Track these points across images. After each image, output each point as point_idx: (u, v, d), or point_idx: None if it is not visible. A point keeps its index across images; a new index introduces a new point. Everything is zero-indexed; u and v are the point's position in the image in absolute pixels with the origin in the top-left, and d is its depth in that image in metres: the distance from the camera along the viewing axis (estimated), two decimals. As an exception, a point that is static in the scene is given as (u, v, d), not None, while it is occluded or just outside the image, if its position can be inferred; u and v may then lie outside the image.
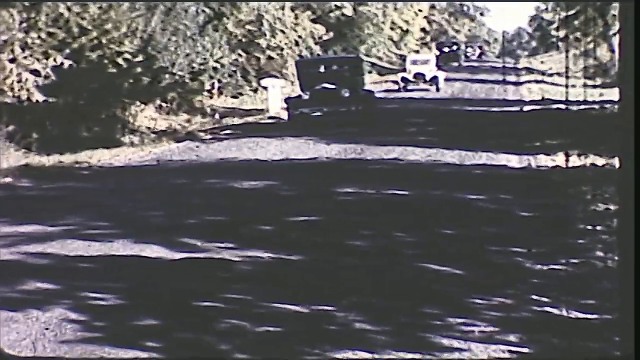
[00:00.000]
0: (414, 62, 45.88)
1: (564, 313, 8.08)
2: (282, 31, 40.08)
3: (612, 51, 46.30)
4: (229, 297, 8.85)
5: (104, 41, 26.16)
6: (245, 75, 38.27)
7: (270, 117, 32.63)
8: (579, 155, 18.05)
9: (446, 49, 67.55)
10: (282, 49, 40.01)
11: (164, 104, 31.27)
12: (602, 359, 6.84)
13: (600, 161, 17.29)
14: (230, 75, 36.06)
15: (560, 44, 69.09)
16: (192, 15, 30.54)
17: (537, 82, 47.86)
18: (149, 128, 28.31)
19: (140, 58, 27.40)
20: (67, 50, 24.66)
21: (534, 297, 8.67)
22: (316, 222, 13.09)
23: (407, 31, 64.28)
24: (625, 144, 4.66)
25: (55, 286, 9.45)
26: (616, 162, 16.04)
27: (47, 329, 8.00)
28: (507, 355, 7.17)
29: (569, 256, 10.17)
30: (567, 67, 29.29)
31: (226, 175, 18.29)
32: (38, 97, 23.22)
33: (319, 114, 28.64)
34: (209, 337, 7.65)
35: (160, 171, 19.82)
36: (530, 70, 59.28)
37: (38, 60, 23.44)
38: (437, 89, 43.74)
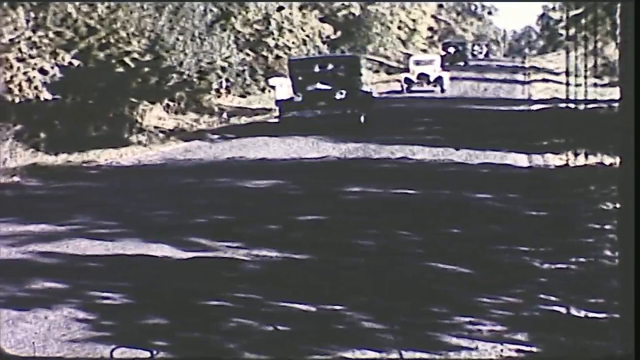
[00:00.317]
0: (418, 63, 44.64)
1: (571, 312, 8.09)
2: (290, 30, 40.08)
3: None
4: (236, 297, 8.87)
5: (111, 41, 26.16)
6: (253, 74, 38.27)
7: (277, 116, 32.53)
8: (586, 154, 18.02)
9: (452, 49, 65.65)
10: (289, 48, 39.99)
11: (171, 104, 31.29)
12: (603, 358, 6.85)
13: (607, 160, 17.27)
14: (238, 75, 36.07)
15: (568, 42, 68.95)
16: (199, 14, 30.54)
17: (545, 80, 47.75)
18: (157, 127, 28.33)
19: (148, 57, 27.41)
20: (75, 50, 24.69)
21: (542, 296, 8.68)
22: (323, 222, 13.10)
23: (414, 30, 64.20)
24: (626, 144, 4.68)
25: (63, 285, 9.48)
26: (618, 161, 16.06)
27: (54, 328, 8.03)
28: (514, 354, 7.19)
29: (576, 255, 10.17)
30: (575, 66, 29.19)
31: (233, 174, 18.30)
32: (46, 96, 23.24)
33: (311, 116, 27.28)
34: (216, 337, 7.68)
35: (167, 170, 19.83)
36: (537, 69, 59.15)
37: (46, 59, 23.47)
38: (442, 90, 42.32)
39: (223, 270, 10.12)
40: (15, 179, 18.38)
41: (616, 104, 27.70)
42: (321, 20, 44.55)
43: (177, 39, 28.74)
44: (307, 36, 42.09)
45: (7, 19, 22.13)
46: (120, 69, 26.45)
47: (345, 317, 8.14)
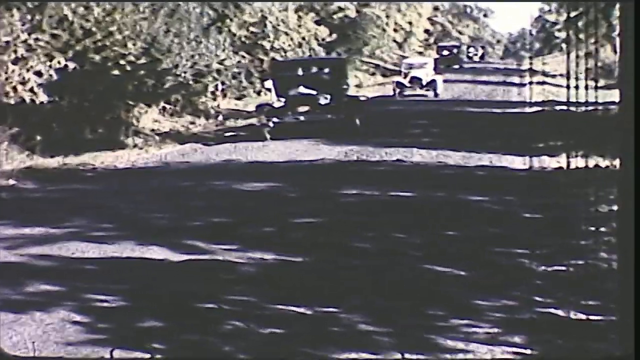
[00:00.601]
0: (410, 66, 43.26)
1: (568, 314, 8.09)
2: (286, 33, 40.08)
3: (616, 52, 46.29)
4: (232, 299, 8.86)
5: (107, 43, 26.16)
6: (249, 77, 38.26)
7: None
8: (582, 156, 18.00)
9: (446, 52, 64.87)
10: (285, 51, 39.98)
11: (167, 106, 31.29)
12: (602, 359, 6.85)
13: (604, 162, 17.27)
14: (234, 77, 36.04)
15: (564, 45, 69.05)
16: (195, 17, 30.52)
17: (541, 83, 47.77)
18: (153, 130, 28.32)
19: (144, 60, 27.40)
20: (71, 52, 24.68)
21: (538, 298, 8.68)
22: (319, 224, 13.09)
23: (410, 32, 64.25)
24: (626, 144, 4.67)
25: (59, 288, 9.47)
26: (618, 162, 16.07)
27: (50, 331, 8.01)
28: (511, 356, 7.18)
29: (572, 257, 10.17)
30: (570, 69, 29.19)
31: (229, 176, 18.28)
32: (42, 99, 23.22)
33: (292, 122, 25.62)
34: (212, 339, 7.67)
35: (163, 173, 19.82)
36: (533, 72, 59.19)
37: (42, 62, 23.45)
38: (436, 94, 41.08)
39: (219, 272, 10.12)
40: (11, 181, 18.35)
41: (612, 107, 27.81)
42: (317, 22, 44.57)
43: (173, 42, 28.72)
44: (303, 39, 42.11)
45: (2, 22, 22.10)
46: (116, 72, 26.44)
47: (342, 319, 8.14)
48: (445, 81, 44.18)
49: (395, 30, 59.48)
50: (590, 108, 26.84)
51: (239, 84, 37.27)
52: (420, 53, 65.87)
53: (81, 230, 12.77)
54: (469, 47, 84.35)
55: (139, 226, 12.99)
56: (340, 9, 48.90)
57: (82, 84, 25.42)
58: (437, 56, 61.30)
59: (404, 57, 57.67)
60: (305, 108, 26.02)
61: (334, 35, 45.76)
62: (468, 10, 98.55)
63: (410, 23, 62.92)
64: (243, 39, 37.89)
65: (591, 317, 7.95)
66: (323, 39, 44.13)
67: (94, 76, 25.90)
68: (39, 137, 23.46)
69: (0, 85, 22.25)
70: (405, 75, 42.27)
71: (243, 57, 37.17)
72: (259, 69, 38.93)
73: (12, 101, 22.64)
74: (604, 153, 17.64)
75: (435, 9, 78.74)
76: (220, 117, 32.42)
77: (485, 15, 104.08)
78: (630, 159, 4.62)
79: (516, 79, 52.75)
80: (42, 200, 16.50)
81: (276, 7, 39.51)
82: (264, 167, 19.93)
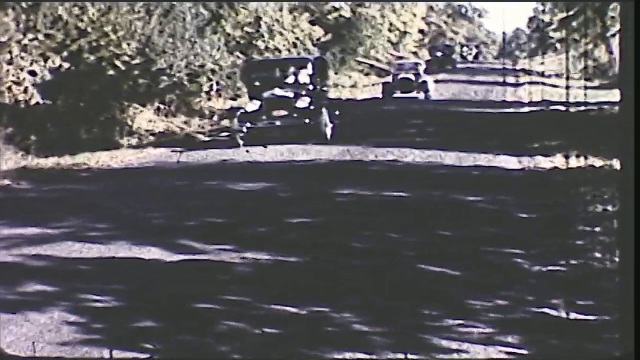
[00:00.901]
0: (400, 67, 41.92)
1: (563, 314, 8.09)
2: (280, 33, 40.05)
3: (610, 52, 46.36)
4: (227, 299, 8.85)
5: (102, 43, 26.16)
6: (244, 77, 38.24)
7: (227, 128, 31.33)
8: (577, 156, 18.04)
9: (439, 53, 63.16)
10: (280, 51, 39.95)
11: (162, 106, 31.26)
12: (602, 359, 6.85)
13: (598, 162, 17.29)
14: (228, 77, 36.01)
15: (558, 45, 69.14)
16: (190, 17, 30.51)
17: (536, 83, 47.81)
18: (147, 130, 28.29)
19: (138, 60, 27.40)
20: (66, 52, 24.66)
21: (533, 298, 8.68)
22: (315, 224, 13.09)
23: (405, 33, 64.27)
24: (626, 144, 4.66)
25: (54, 288, 9.45)
26: (615, 163, 16.11)
27: (46, 331, 8.00)
28: (505, 356, 7.18)
29: (568, 257, 10.18)
30: (566, 69, 29.23)
31: (225, 176, 18.27)
32: (36, 99, 23.21)
33: (266, 128, 23.95)
34: (208, 339, 7.66)
35: (159, 173, 19.80)
36: (528, 72, 59.24)
37: (36, 62, 23.43)
38: (426, 97, 39.34)
39: (215, 272, 10.11)
40: (6, 182, 18.32)
41: (607, 107, 27.85)
42: (312, 22, 44.56)
43: (168, 42, 28.71)
44: (298, 39, 42.09)
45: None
46: (111, 72, 26.42)
47: (337, 319, 8.14)
48: (439, 81, 43.88)
49: (390, 30, 59.48)
50: (585, 108, 27.01)
51: (234, 84, 37.24)
52: (415, 53, 65.92)
53: (76, 230, 12.75)
54: (462, 46, 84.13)
55: (134, 226, 12.98)
56: (335, 9, 48.91)
57: (77, 84, 25.42)
58: (429, 57, 61.04)
59: (400, 58, 57.69)
60: (282, 112, 24.09)
61: (329, 35, 45.77)
62: (463, 10, 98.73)
63: (404, 23, 62.92)
64: (238, 39, 37.87)
65: (586, 317, 7.95)
66: (318, 39, 44.13)
67: (89, 76, 25.90)
68: (33, 137, 23.44)
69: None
70: (394, 77, 40.83)
71: (238, 57, 37.13)
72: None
73: (6, 101, 22.61)
74: (599, 153, 17.68)
75: (430, 9, 78.78)
76: (215, 117, 32.39)
77: (480, 16, 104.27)
78: (631, 158, 4.62)
79: (511, 79, 52.77)
80: (36, 200, 16.48)
81: (271, 7, 39.50)
82: (259, 167, 19.91)
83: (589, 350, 7.20)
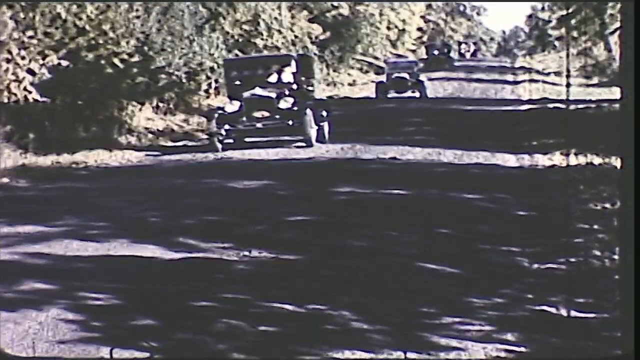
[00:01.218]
0: (394, 66, 40.87)
1: (562, 312, 8.10)
2: (279, 31, 40.04)
3: (609, 50, 46.40)
4: (226, 297, 8.86)
5: (101, 41, 26.15)
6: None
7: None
8: (575, 154, 18.06)
9: (436, 52, 61.62)
10: (278, 49, 39.93)
11: (161, 104, 31.25)
12: (603, 359, 6.85)
13: (597, 160, 17.30)
14: (227, 75, 35.98)
15: (557, 43, 69.20)
16: (189, 15, 30.49)
17: (534, 81, 47.83)
18: (146, 128, 28.28)
19: (137, 58, 27.39)
20: (64, 51, 24.66)
21: (531, 296, 8.69)
22: (313, 222, 13.09)
23: (403, 31, 64.27)
24: (626, 144, 4.66)
25: (52, 286, 9.45)
26: (613, 161, 16.12)
27: (45, 329, 7.99)
28: (504, 354, 7.18)
29: (566, 255, 10.18)
30: (566, 66, 29.17)
31: (223, 175, 18.26)
32: (35, 97, 23.19)
33: (248, 129, 22.56)
34: (206, 337, 7.66)
35: (157, 171, 19.80)
36: (527, 70, 59.27)
37: (35, 60, 23.42)
38: (423, 96, 38.22)
39: (213, 271, 10.10)
40: (5, 180, 18.32)
41: (606, 105, 27.87)
42: (310, 20, 44.57)
43: (166, 40, 28.70)
44: (296, 37, 42.09)
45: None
46: (110, 70, 26.41)
47: (336, 317, 8.14)
48: (433, 79, 43.50)
49: (388, 28, 59.49)
50: (584, 106, 27.03)
51: (233, 82, 37.20)
52: (414, 51, 65.89)
53: (75, 228, 12.76)
54: (460, 43, 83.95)
55: (132, 224, 12.98)
56: (334, 7, 48.91)
57: (76, 82, 25.40)
58: (426, 56, 60.62)
59: (400, 56, 57.62)
60: (263, 113, 22.58)
61: (328, 33, 45.78)
62: (461, 8, 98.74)
63: (403, 21, 62.94)
64: (236, 37, 37.86)
65: (586, 315, 7.96)
66: (316, 37, 44.14)
67: (87, 74, 25.89)
68: (32, 136, 23.42)
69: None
70: (388, 77, 39.72)
71: (236, 55, 37.12)
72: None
73: (5, 99, 22.61)
74: (598, 150, 17.70)
75: (429, 7, 78.77)
76: (194, 118, 32.34)
77: (478, 14, 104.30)
78: (631, 157, 4.62)
79: (510, 77, 52.78)
80: (35, 198, 16.48)
81: (269, 5, 39.49)
82: (257, 165, 19.90)
83: (589, 348, 7.20)
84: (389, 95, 38.64)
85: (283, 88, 23.27)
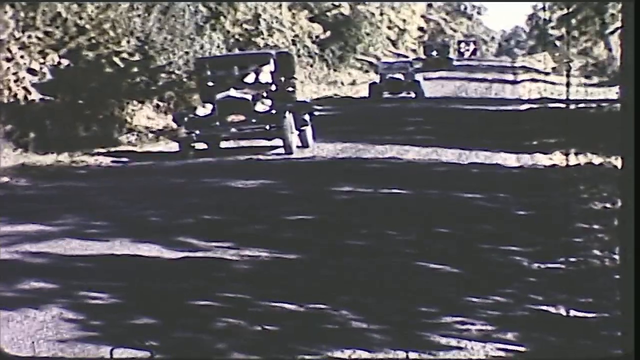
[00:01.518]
0: (388, 67, 39.94)
1: (562, 312, 8.09)
2: (279, 30, 40.06)
3: (609, 50, 46.41)
4: (226, 296, 8.85)
5: (101, 41, 26.17)
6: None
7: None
8: (576, 153, 18.07)
9: (435, 52, 60.66)
10: (279, 48, 39.99)
11: (161, 104, 31.26)
12: (602, 358, 6.85)
13: (597, 160, 17.32)
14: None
15: (557, 42, 69.19)
16: (189, 14, 30.51)
17: (535, 80, 47.85)
18: (146, 127, 28.29)
19: (137, 57, 27.40)
20: (65, 50, 24.67)
21: (531, 295, 8.69)
22: (313, 221, 13.09)
23: (404, 30, 64.29)
24: (626, 144, 4.66)
25: (52, 285, 9.45)
26: (613, 160, 16.12)
27: (45, 328, 7.99)
28: (503, 354, 7.18)
29: (566, 255, 10.18)
30: (564, 66, 29.17)
31: (222, 174, 18.24)
32: (35, 96, 23.21)
33: (222, 134, 21.01)
34: (206, 336, 7.65)
35: (156, 170, 19.78)
36: (527, 69, 59.30)
37: (35, 59, 23.44)
38: (418, 96, 37.42)
39: (213, 270, 10.10)
40: (5, 179, 18.32)
41: (606, 104, 27.92)
42: (311, 20, 44.60)
43: (167, 39, 28.71)
44: (297, 36, 42.12)
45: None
46: (110, 69, 26.43)
47: (336, 316, 8.13)
48: (428, 79, 43.25)
49: (389, 27, 59.55)
50: (584, 105, 27.06)
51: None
52: (414, 50, 65.87)
53: (75, 227, 12.75)
54: (460, 42, 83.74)
55: (132, 223, 12.98)
56: (334, 6, 48.94)
57: (76, 81, 25.41)
58: (424, 56, 60.34)
59: (399, 55, 57.59)
60: (238, 117, 20.85)
61: (328, 33, 45.79)
62: (462, 7, 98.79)
63: (404, 20, 62.97)
64: (237, 36, 37.87)
65: (586, 315, 7.96)
66: (317, 36, 44.16)
67: (88, 73, 25.91)
68: (32, 135, 23.44)
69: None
70: (382, 77, 38.75)
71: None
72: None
73: (5, 99, 22.62)
74: (598, 150, 17.71)
75: (429, 6, 78.78)
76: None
77: (479, 13, 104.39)
78: (631, 157, 4.62)
79: (510, 76, 52.79)
80: (35, 197, 16.47)
81: (270, 5, 39.51)
82: (257, 164, 19.89)
83: (589, 347, 7.20)
84: (385, 96, 37.70)
85: (260, 89, 21.51)
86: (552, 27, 68.03)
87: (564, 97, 27.07)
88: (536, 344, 7.32)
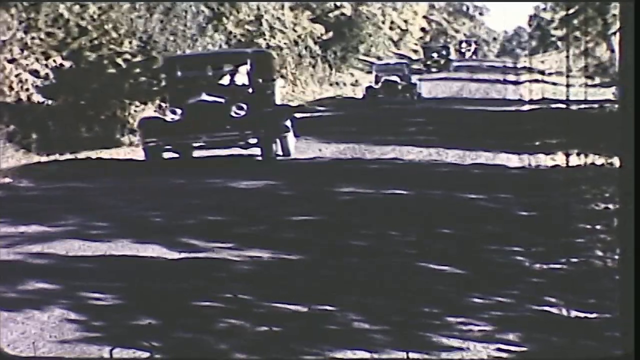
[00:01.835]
0: (384, 68, 38.94)
1: (564, 312, 8.09)
2: (282, 31, 40.08)
3: (612, 50, 46.42)
4: (226, 297, 8.85)
5: (103, 42, 26.20)
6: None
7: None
8: (578, 154, 18.06)
9: (435, 54, 59.11)
10: (281, 49, 39.99)
11: (163, 104, 31.27)
12: (603, 359, 6.85)
13: (599, 160, 17.30)
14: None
15: (559, 43, 69.18)
16: (191, 15, 30.53)
17: (537, 81, 47.82)
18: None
19: (139, 58, 27.43)
20: (67, 51, 24.70)
21: (532, 296, 8.69)
22: (315, 222, 13.08)
23: (406, 31, 64.29)
24: (625, 144, 4.67)
25: (54, 286, 9.45)
26: (615, 161, 16.11)
27: (46, 329, 8.00)
28: (505, 354, 7.18)
29: (567, 255, 10.18)
30: (567, 67, 29.22)
31: (225, 174, 18.22)
32: (38, 97, 23.23)
33: (191, 143, 19.13)
34: (206, 337, 7.65)
35: (157, 170, 19.74)
36: (529, 70, 59.26)
37: (37, 60, 23.45)
38: (415, 97, 36.46)
39: (215, 270, 10.10)
40: (7, 179, 18.33)
41: (608, 105, 27.92)
42: (313, 20, 44.61)
43: (169, 40, 28.73)
44: (299, 37, 42.14)
45: (-1, 21, 22.12)
46: (112, 70, 26.45)
47: (337, 317, 8.13)
48: (436, 80, 43.33)
49: (391, 28, 59.56)
50: (586, 106, 27.03)
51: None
52: (416, 51, 65.85)
53: (77, 228, 12.75)
54: (461, 42, 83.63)
55: (134, 224, 12.98)
56: (336, 7, 48.95)
57: (78, 82, 25.44)
58: (424, 58, 60.06)
59: (402, 56, 57.56)
60: (210, 123, 18.74)
61: (330, 33, 45.80)
62: (464, 8, 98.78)
63: (406, 21, 62.99)
64: (239, 37, 37.89)
65: (587, 315, 7.96)
66: (319, 37, 44.17)
67: (90, 74, 25.94)
68: (35, 136, 23.47)
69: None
70: (377, 79, 37.38)
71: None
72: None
73: (8, 100, 22.64)
74: (600, 151, 17.69)
75: (431, 7, 78.79)
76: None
77: (481, 14, 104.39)
78: (631, 157, 4.62)
79: (512, 77, 52.76)
80: (38, 198, 16.47)
81: (272, 5, 39.53)
82: (258, 164, 19.87)
83: (590, 348, 7.20)
84: (381, 99, 36.44)
85: (236, 92, 19.37)
86: (554, 28, 68.00)
87: (565, 97, 27.06)
88: (537, 345, 7.31)
